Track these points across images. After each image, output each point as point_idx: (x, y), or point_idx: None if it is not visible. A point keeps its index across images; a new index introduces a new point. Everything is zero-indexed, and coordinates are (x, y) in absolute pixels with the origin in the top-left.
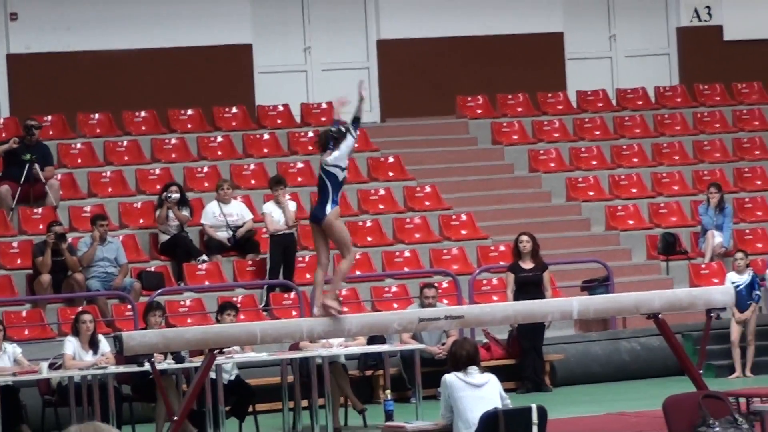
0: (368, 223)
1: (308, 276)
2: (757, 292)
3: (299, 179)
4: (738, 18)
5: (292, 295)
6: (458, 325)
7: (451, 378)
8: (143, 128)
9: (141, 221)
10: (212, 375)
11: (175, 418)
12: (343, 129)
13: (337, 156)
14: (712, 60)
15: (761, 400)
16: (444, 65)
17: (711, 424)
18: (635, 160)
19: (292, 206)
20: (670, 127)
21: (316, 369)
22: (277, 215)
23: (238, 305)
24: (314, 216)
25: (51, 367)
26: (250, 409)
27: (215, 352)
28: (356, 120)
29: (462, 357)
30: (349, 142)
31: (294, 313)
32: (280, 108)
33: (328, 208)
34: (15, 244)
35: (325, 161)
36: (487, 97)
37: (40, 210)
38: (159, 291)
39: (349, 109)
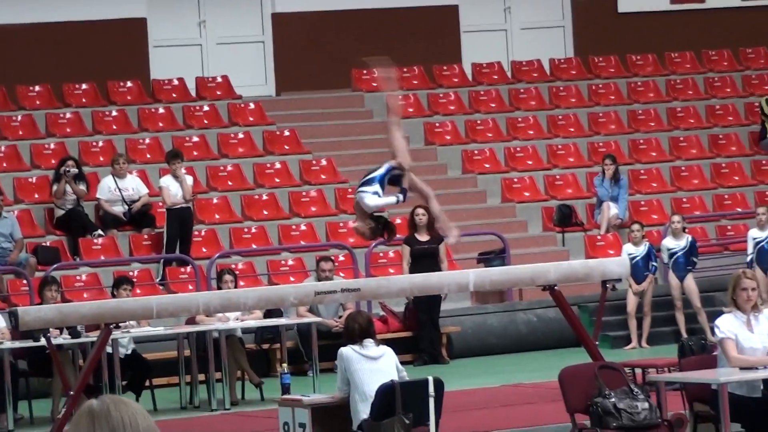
0: (264, 197)
1: (204, 250)
2: (654, 263)
3: (195, 153)
4: None
5: (188, 269)
6: (355, 298)
7: (347, 351)
8: (37, 103)
9: (36, 196)
10: (108, 350)
11: (72, 393)
12: (402, 194)
13: (379, 202)
14: (606, 32)
15: (657, 371)
16: (339, 38)
17: (607, 394)
18: (530, 132)
19: (189, 180)
20: (565, 99)
21: (213, 343)
22: (174, 189)
23: (134, 280)
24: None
25: None
26: (147, 383)
27: (111, 326)
28: (404, 191)
29: (355, 330)
30: (391, 200)
31: (190, 287)
32: (176, 82)
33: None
34: None
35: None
36: None
37: None
38: (55, 266)
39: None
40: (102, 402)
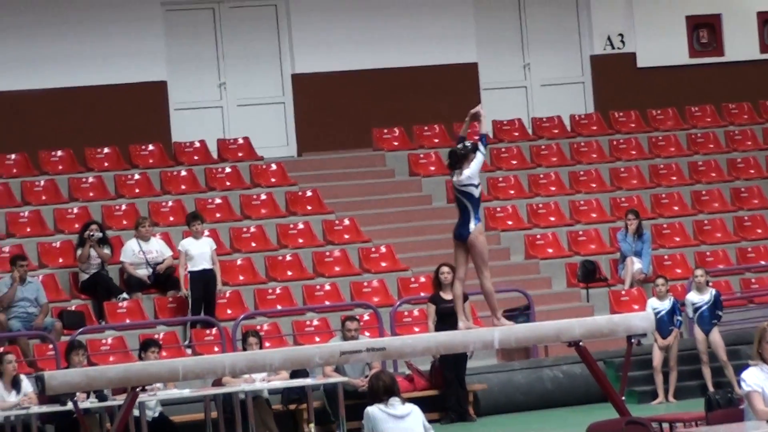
0: (288, 258)
1: (229, 311)
2: (679, 318)
3: (217, 215)
4: (651, 45)
5: (214, 331)
6: (380, 358)
7: (373, 410)
8: (60, 167)
9: (60, 260)
10: (136, 413)
11: None
12: (469, 146)
13: (469, 175)
14: (626, 87)
15: (684, 425)
16: (359, 98)
17: None
18: (553, 188)
19: (211, 244)
20: (587, 154)
21: (240, 404)
22: (194, 250)
23: (161, 342)
24: (459, 234)
25: None
26: None
27: (138, 389)
28: (483, 136)
29: (380, 388)
30: (479, 159)
31: (216, 348)
32: (197, 144)
33: (472, 225)
34: None
35: (458, 181)
36: (403, 129)
37: None
38: (80, 330)
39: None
40: None
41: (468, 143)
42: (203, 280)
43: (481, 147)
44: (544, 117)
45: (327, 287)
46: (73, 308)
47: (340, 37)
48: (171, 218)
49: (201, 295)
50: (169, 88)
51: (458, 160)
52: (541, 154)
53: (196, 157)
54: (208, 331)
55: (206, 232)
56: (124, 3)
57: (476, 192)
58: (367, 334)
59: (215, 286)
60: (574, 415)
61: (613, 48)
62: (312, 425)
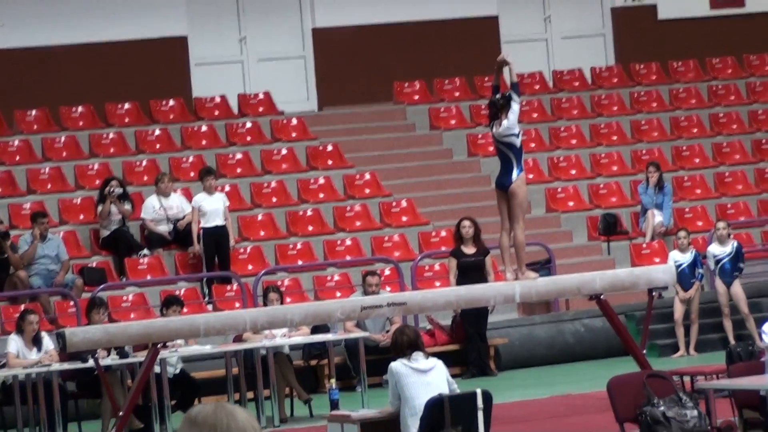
0: (308, 213)
1: (250, 267)
2: (700, 271)
3: (238, 170)
4: None
5: (235, 286)
6: (401, 312)
7: (397, 365)
8: (80, 123)
9: (81, 217)
10: (157, 369)
11: (121, 413)
12: (508, 96)
13: (508, 125)
14: (647, 39)
15: (705, 378)
16: (380, 52)
17: (656, 403)
18: (573, 141)
19: (224, 200)
20: (608, 107)
21: (261, 360)
22: (207, 206)
23: (182, 299)
24: (501, 184)
25: None
26: (196, 402)
27: (159, 346)
28: (514, 85)
29: (404, 343)
30: (515, 109)
31: (237, 304)
32: (218, 99)
33: (515, 175)
34: None
35: (498, 133)
36: (424, 83)
37: None
38: (101, 286)
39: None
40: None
41: (503, 94)
42: (215, 237)
43: (514, 96)
44: (565, 70)
45: (348, 242)
46: (94, 265)
47: None
48: (192, 174)
49: (213, 251)
50: (189, 43)
51: (498, 110)
52: (562, 107)
53: (216, 113)
54: (228, 287)
55: (219, 188)
56: None
57: (517, 142)
58: (388, 288)
59: (228, 242)
60: (596, 369)
61: (634, 0)
62: (333, 380)
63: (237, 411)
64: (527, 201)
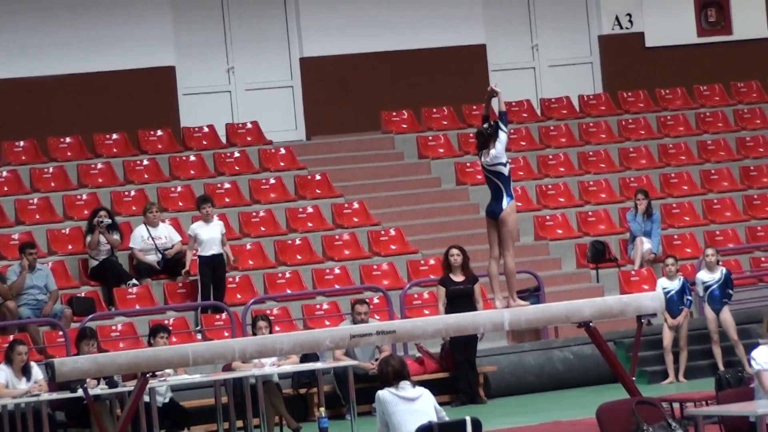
0: (297, 242)
1: (239, 296)
2: (689, 297)
3: (227, 200)
4: (659, 24)
5: (224, 316)
6: (390, 340)
7: (384, 393)
8: (69, 154)
9: (70, 247)
10: (146, 398)
11: None
12: (495, 125)
13: (495, 154)
14: (634, 67)
15: (695, 405)
16: (368, 81)
17: (645, 429)
18: (562, 169)
19: (221, 228)
20: (596, 135)
21: (250, 389)
22: (204, 235)
23: (170, 328)
24: (491, 212)
25: None
26: (186, 431)
27: (148, 375)
28: (501, 114)
29: (389, 373)
30: (502, 138)
31: (226, 334)
32: (206, 129)
33: (505, 203)
34: None
35: (486, 162)
36: (412, 112)
37: None
38: (90, 316)
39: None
40: None
41: (491, 122)
42: (212, 266)
43: (502, 125)
44: (553, 98)
45: (336, 271)
46: (82, 295)
47: (347, 20)
48: (180, 203)
49: (209, 279)
50: (177, 73)
51: (486, 139)
52: (550, 134)
53: (204, 142)
54: (218, 316)
55: (216, 217)
56: None
57: (505, 170)
58: (377, 317)
59: (224, 271)
60: (585, 396)
61: (621, 28)
62: (322, 409)
63: None
64: (517, 229)
